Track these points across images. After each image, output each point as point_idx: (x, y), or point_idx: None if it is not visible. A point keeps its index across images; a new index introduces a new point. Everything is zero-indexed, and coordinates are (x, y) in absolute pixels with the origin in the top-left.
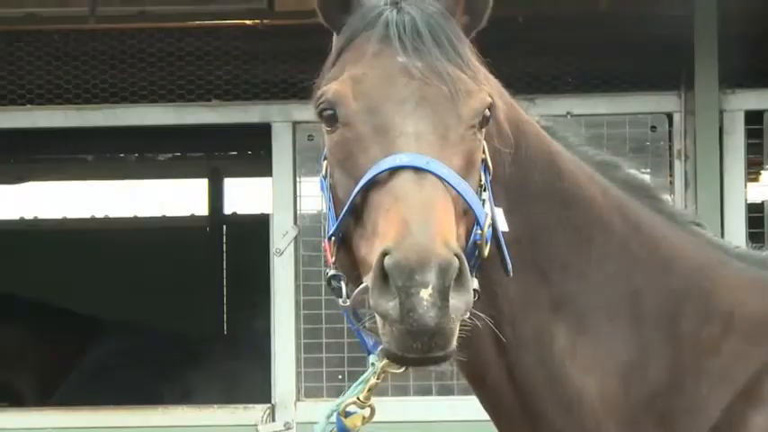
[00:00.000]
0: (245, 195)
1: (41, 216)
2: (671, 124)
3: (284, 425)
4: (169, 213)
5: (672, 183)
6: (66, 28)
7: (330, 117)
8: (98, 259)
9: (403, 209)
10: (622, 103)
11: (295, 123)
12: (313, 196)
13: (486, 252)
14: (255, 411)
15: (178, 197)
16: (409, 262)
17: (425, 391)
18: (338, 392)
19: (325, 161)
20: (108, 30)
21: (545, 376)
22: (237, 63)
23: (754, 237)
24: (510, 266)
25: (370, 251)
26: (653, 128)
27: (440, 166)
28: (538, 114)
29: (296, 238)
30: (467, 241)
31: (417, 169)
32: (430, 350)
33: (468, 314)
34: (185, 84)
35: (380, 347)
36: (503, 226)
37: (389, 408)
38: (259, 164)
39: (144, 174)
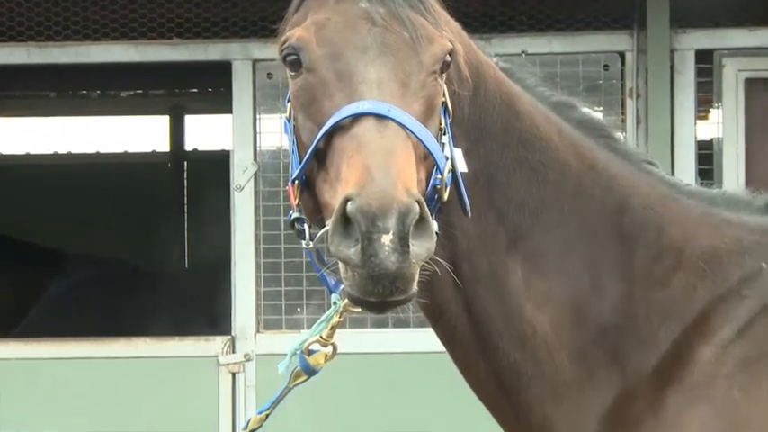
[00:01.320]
0: (205, 132)
1: (4, 152)
2: (623, 63)
3: (244, 356)
4: (131, 150)
5: (624, 120)
6: None
7: (294, 62)
8: (61, 194)
9: (365, 156)
10: (576, 42)
11: (255, 61)
12: (272, 133)
13: (445, 196)
14: (216, 343)
15: (140, 134)
16: (371, 208)
17: (382, 324)
18: (297, 325)
19: (289, 104)
20: None
21: (500, 311)
22: (198, 2)
23: (704, 173)
24: (468, 207)
25: (333, 196)
26: (606, 66)
27: (401, 113)
28: (494, 54)
29: (255, 174)
30: (426, 186)
31: (379, 116)
32: (391, 294)
33: (427, 259)
34: (147, 22)
35: (342, 289)
36: (462, 167)
37: (347, 340)
38: (219, 101)
39: (106, 111)
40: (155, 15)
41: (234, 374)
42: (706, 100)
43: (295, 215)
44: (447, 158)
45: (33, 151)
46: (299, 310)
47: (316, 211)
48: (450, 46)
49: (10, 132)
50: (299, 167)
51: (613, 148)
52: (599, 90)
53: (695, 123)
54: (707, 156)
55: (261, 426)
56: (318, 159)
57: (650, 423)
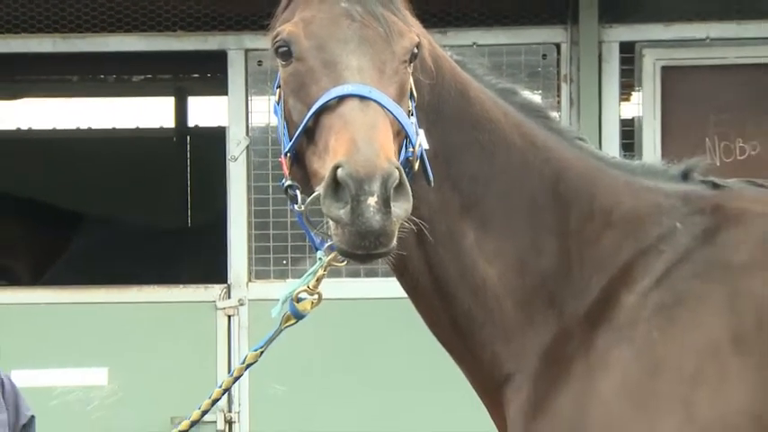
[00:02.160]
0: (205, 111)
1: (34, 127)
2: (559, 53)
3: (238, 301)
4: (142, 126)
5: (559, 103)
6: None
7: (285, 53)
8: (81, 164)
9: (351, 130)
10: (519, 35)
11: (247, 51)
12: (262, 112)
13: (416, 166)
14: (214, 290)
15: (149, 113)
16: (359, 174)
17: (355, 274)
18: (282, 275)
19: (279, 90)
20: None
21: (456, 266)
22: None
23: (626, 147)
24: (431, 177)
25: (323, 165)
26: (544, 56)
27: (379, 94)
28: (449, 45)
29: (248, 146)
30: (401, 155)
31: (361, 97)
32: (375, 248)
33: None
34: (155, 16)
35: (327, 245)
36: (425, 144)
37: (327, 288)
38: (217, 85)
39: (120, 93)
40: (161, 11)
41: (229, 317)
42: (628, 84)
43: (288, 183)
44: (417, 134)
45: (59, 127)
46: (284, 262)
47: (305, 180)
48: (418, 39)
49: (39, 111)
50: (291, 143)
51: (550, 127)
52: (538, 76)
53: (619, 104)
54: (629, 132)
55: (256, 361)
56: (308, 136)
57: (581, 360)
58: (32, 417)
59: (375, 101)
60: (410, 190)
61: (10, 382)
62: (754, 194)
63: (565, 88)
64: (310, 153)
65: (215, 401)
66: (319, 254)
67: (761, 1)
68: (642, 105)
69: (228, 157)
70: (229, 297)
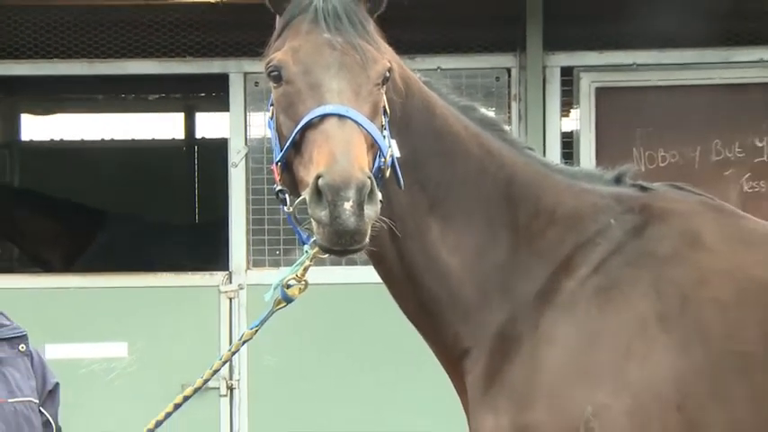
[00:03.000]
0: (210, 125)
1: (65, 138)
2: (510, 76)
3: (238, 286)
4: (156, 137)
5: (510, 118)
6: (84, 4)
7: (276, 76)
8: (105, 170)
9: (330, 144)
10: (476, 61)
11: (245, 74)
12: (258, 126)
13: (387, 174)
14: (218, 276)
15: (163, 126)
16: (336, 183)
17: (338, 263)
18: (276, 263)
19: (272, 107)
20: (115, 5)
21: (423, 257)
22: (205, 30)
23: (566, 155)
24: (402, 182)
25: (307, 174)
26: (497, 78)
27: (355, 113)
28: (417, 68)
29: (246, 155)
30: (373, 166)
31: (340, 116)
32: (350, 245)
33: (375, 219)
34: (167, 45)
35: (313, 240)
36: (397, 153)
37: (313, 274)
38: (220, 102)
39: (139, 109)
40: (173, 40)
41: (230, 299)
42: (568, 102)
43: (278, 188)
44: (388, 147)
45: (86, 138)
46: (277, 252)
47: (293, 186)
48: (389, 65)
49: (69, 125)
50: (281, 154)
51: (503, 138)
52: (492, 96)
53: (560, 120)
54: (569, 143)
55: (251, 338)
56: (295, 148)
57: (530, 336)
58: (57, 383)
59: (351, 119)
60: (379, 195)
61: (38, 354)
62: (676, 196)
63: (515, 106)
64: (297, 163)
65: (215, 371)
66: (306, 247)
67: (679, 32)
68: (579, 120)
69: (230, 164)
70: (231, 282)
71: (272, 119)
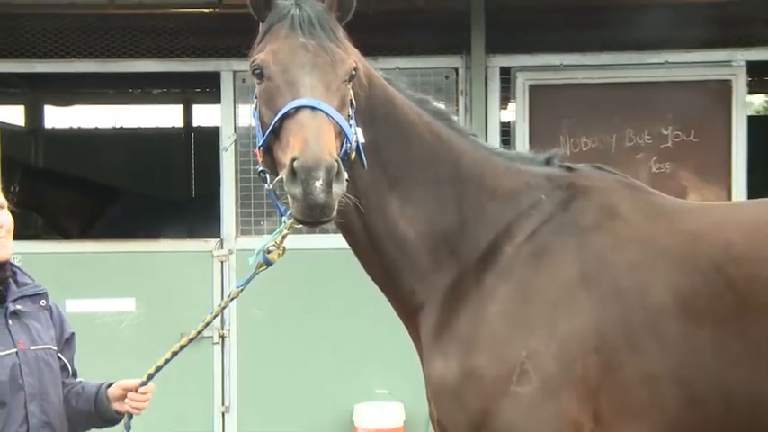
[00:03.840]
0: (205, 115)
1: (82, 126)
2: (457, 75)
3: (228, 251)
4: (159, 126)
5: (457, 110)
6: (93, 12)
7: (259, 74)
8: (116, 153)
9: (304, 132)
10: (429, 62)
11: (234, 72)
12: (245, 116)
13: (353, 157)
14: (211, 243)
15: (164, 116)
16: (309, 164)
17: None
18: (260, 232)
19: (256, 100)
20: (122, 14)
21: (385, 227)
22: (200, 35)
23: (505, 142)
24: (365, 163)
25: (285, 157)
26: (446, 77)
27: (326, 105)
28: (379, 68)
29: (235, 141)
30: (340, 151)
31: (312, 108)
32: (320, 217)
33: (342, 195)
34: (169, 47)
35: (290, 213)
36: (361, 139)
37: (291, 241)
38: (213, 96)
39: (145, 101)
40: (173, 43)
41: (222, 262)
42: (506, 97)
43: (261, 168)
44: (354, 134)
45: (100, 126)
46: (261, 223)
47: (273, 167)
48: (355, 65)
49: (85, 115)
50: (263, 139)
51: (452, 127)
52: (443, 91)
53: (499, 112)
54: (507, 131)
55: (239, 295)
56: (275, 134)
57: (474, 293)
58: (73, 333)
59: (322, 111)
60: (345, 175)
61: (56, 308)
62: (596, 175)
63: (461, 100)
64: (276, 147)
65: (208, 323)
66: (283, 219)
67: (599, 39)
68: (516, 112)
69: (221, 148)
70: (222, 248)
71: (255, 110)
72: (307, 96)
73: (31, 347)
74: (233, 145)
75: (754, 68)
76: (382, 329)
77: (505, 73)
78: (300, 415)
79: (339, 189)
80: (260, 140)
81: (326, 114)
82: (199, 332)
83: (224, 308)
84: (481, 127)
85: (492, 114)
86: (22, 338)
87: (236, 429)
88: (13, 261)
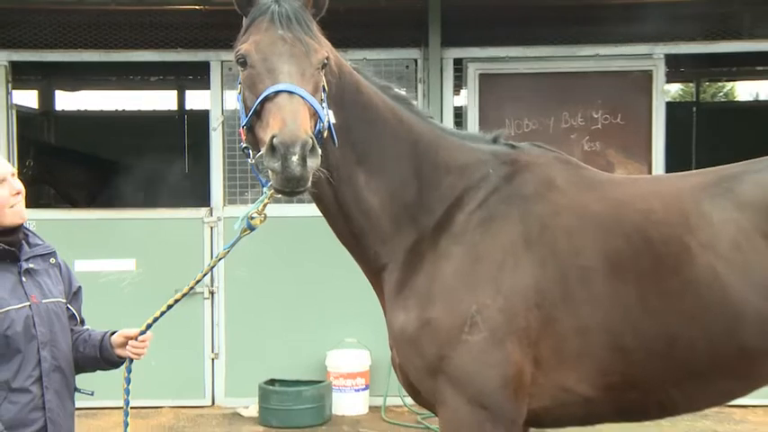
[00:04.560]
0: (196, 100)
1: (88, 108)
2: (416, 65)
3: (216, 218)
4: (156, 108)
5: (416, 96)
6: (98, 9)
7: (243, 62)
8: (118, 133)
9: (282, 113)
10: (392, 54)
11: (222, 61)
12: (231, 100)
13: (325, 135)
14: (202, 211)
15: (161, 100)
16: (286, 141)
17: (290, 202)
18: (244, 201)
19: (240, 86)
20: (123, 10)
21: (353, 197)
22: (192, 29)
23: (458, 123)
24: (336, 141)
25: (265, 135)
26: (407, 66)
27: (301, 90)
28: (349, 58)
29: (222, 122)
30: (314, 129)
31: (289, 92)
32: (296, 187)
33: (316, 169)
34: (165, 39)
35: (270, 184)
36: (333, 119)
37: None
38: (204, 83)
39: (144, 87)
40: (168, 36)
41: (212, 228)
42: (459, 85)
43: (244, 145)
44: (326, 116)
45: (104, 109)
46: (245, 193)
47: (255, 144)
48: (327, 54)
49: (91, 99)
50: (246, 120)
51: (411, 110)
52: (404, 79)
53: (453, 97)
54: (459, 114)
55: (225, 256)
56: (256, 115)
57: (431, 254)
58: (80, 287)
59: (298, 94)
60: (319, 151)
61: (65, 264)
62: (536, 152)
63: (420, 87)
64: (258, 127)
65: (198, 281)
66: (264, 189)
67: (541, 33)
68: (467, 98)
69: (211, 128)
70: (211, 215)
71: (239, 94)
72: (284, 82)
73: (43, 301)
74: (221, 126)
75: (671, 61)
76: (351, 287)
77: (458, 63)
78: (280, 360)
79: (313, 163)
80: (243, 121)
81: (302, 98)
82: (191, 288)
83: (212, 267)
84: (437, 110)
85: (446, 99)
86: (35, 293)
87: (224, 374)
88: (26, 225)
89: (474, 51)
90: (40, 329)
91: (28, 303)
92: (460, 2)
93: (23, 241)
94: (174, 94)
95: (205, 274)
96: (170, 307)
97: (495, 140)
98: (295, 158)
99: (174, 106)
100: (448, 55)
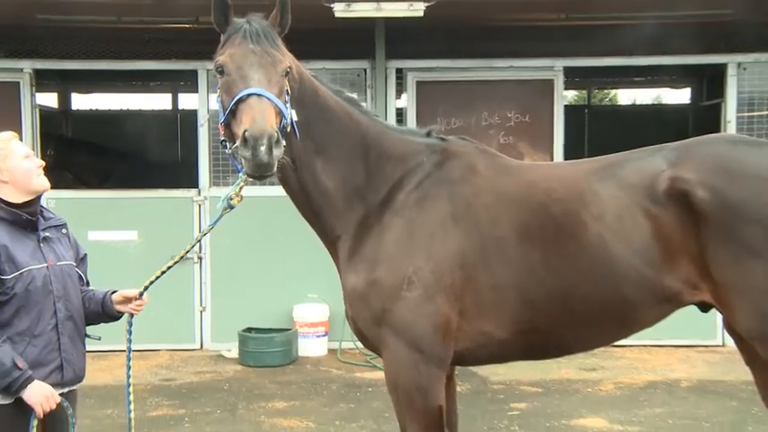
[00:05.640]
0: (187, 101)
1: (99, 108)
2: (366, 74)
3: (203, 197)
4: (155, 108)
5: (366, 99)
6: (107, 26)
7: (221, 71)
8: (124, 128)
9: (252, 112)
10: (346, 64)
11: (208, 70)
12: (215, 102)
13: (288, 130)
14: (192, 192)
15: (159, 102)
16: (255, 134)
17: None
18: (227, 183)
19: (219, 90)
20: (126, 27)
21: (312, 181)
22: (183, 43)
23: (399, 121)
24: (298, 135)
25: (239, 130)
26: (358, 75)
27: (268, 93)
28: (309, 68)
29: (208, 119)
30: (279, 125)
31: (258, 95)
32: (264, 172)
33: (281, 157)
34: (161, 51)
35: (243, 170)
36: (295, 117)
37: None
38: (193, 87)
39: (143, 91)
40: (164, 49)
41: (199, 205)
42: (400, 90)
43: (222, 138)
44: (289, 114)
45: (112, 108)
46: (227, 177)
47: (231, 137)
48: (289, 64)
49: (101, 100)
50: (224, 117)
51: (360, 110)
52: (355, 85)
53: (395, 100)
54: (400, 114)
55: (210, 231)
56: (232, 114)
57: (376, 226)
58: (86, 254)
59: (266, 97)
60: (283, 143)
61: (72, 234)
62: (462, 143)
63: (369, 92)
64: (233, 123)
65: (187, 252)
66: (240, 174)
67: (466, 48)
68: (407, 101)
69: (199, 124)
70: (199, 195)
71: (218, 97)
72: (254, 86)
73: (57, 263)
74: (207, 122)
75: (569, 72)
76: (313, 254)
77: (399, 73)
78: (256, 312)
79: (278, 152)
80: (221, 118)
81: (269, 99)
82: (181, 257)
83: (199, 240)
84: (382, 111)
85: (390, 102)
86: (51, 257)
87: (210, 323)
88: (42, 203)
89: (412, 63)
90: (55, 286)
91: (45, 265)
92: (401, 23)
93: (40, 215)
94: (168, 96)
95: (193, 246)
96: (163, 272)
97: (428, 134)
98: (263, 148)
99: (168, 106)
100: (391, 66)
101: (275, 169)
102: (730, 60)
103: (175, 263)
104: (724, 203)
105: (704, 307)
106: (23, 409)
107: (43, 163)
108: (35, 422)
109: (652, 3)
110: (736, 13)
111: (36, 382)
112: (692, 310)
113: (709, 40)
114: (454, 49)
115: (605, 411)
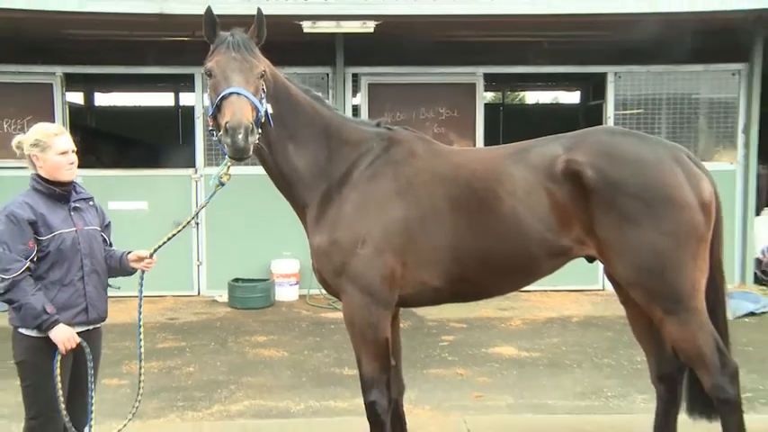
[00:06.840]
0: (186, 99)
1: (117, 105)
2: (329, 78)
3: (200, 175)
4: (161, 105)
5: (328, 97)
6: (122, 39)
7: (209, 74)
8: (135, 121)
9: (233, 107)
10: (313, 70)
11: (203, 74)
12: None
13: (263, 121)
14: (190, 170)
15: (164, 99)
16: (234, 125)
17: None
18: (217, 163)
19: (208, 89)
20: (138, 40)
21: (285, 161)
22: (183, 52)
23: (354, 115)
24: (272, 124)
25: (222, 121)
26: (322, 78)
27: (245, 92)
28: (284, 72)
29: (203, 113)
30: (255, 117)
31: (238, 93)
32: (242, 155)
33: (255, 143)
34: (166, 58)
35: (227, 154)
36: (270, 111)
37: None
38: (191, 87)
39: (152, 90)
40: (167, 56)
41: (196, 182)
42: (356, 90)
43: (211, 128)
44: (264, 108)
45: (127, 104)
46: (218, 158)
47: (217, 127)
48: (264, 68)
49: (118, 98)
50: (212, 111)
51: (324, 105)
52: (321, 87)
53: (351, 99)
54: (356, 109)
55: (206, 205)
56: (217, 109)
57: (336, 197)
58: (110, 222)
59: (243, 95)
60: (258, 131)
61: (99, 206)
62: (404, 132)
63: (331, 92)
64: (218, 116)
65: (188, 222)
66: (226, 156)
67: (408, 57)
68: (361, 99)
69: (195, 117)
70: (196, 173)
71: (208, 95)
72: (234, 86)
73: (84, 228)
74: (202, 115)
75: (488, 77)
76: (286, 219)
77: (355, 77)
78: (242, 265)
79: (252, 139)
80: (210, 112)
81: (246, 97)
82: (184, 226)
83: (197, 213)
84: (341, 106)
85: (347, 100)
86: (79, 223)
87: (206, 274)
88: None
89: (365, 69)
90: (83, 246)
91: (74, 229)
92: (356, 37)
93: (72, 190)
94: (172, 95)
95: (193, 218)
96: (169, 239)
97: (378, 125)
98: (240, 136)
99: (171, 103)
100: (348, 71)
101: (251, 152)
102: (609, 70)
103: (179, 231)
104: (607, 180)
105: (590, 259)
106: (52, 345)
107: (75, 160)
108: (59, 357)
109: (551, 24)
110: (613, 34)
111: (61, 324)
112: (581, 261)
113: (594, 54)
114: (399, 58)
115: (515, 341)
